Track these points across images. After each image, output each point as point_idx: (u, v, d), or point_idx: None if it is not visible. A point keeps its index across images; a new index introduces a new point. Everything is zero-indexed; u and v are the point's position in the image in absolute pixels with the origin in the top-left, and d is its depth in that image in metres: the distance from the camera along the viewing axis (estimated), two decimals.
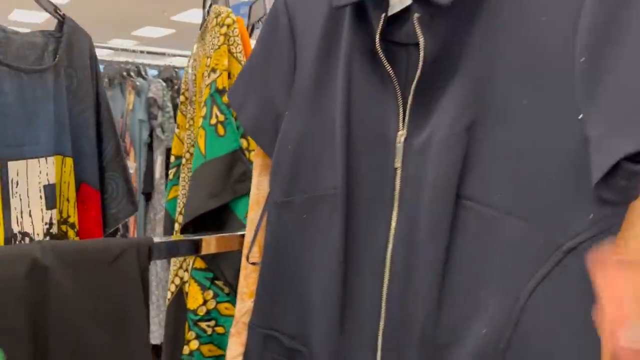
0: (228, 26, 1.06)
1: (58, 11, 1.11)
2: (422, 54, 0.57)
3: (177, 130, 1.39)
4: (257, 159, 0.84)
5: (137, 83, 2.50)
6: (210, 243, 0.88)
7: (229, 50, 1.06)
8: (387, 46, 0.62)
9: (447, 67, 0.57)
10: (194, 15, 7.72)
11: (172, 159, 1.38)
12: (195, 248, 0.87)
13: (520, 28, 0.53)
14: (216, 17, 1.09)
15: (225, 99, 1.03)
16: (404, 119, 0.61)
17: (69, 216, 1.09)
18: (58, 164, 1.05)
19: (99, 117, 1.15)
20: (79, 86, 1.10)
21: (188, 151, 1.27)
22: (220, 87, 1.03)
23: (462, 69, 0.56)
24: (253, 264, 0.79)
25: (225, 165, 0.99)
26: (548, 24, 0.51)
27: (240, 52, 1.07)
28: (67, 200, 1.09)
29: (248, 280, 0.81)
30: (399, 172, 0.61)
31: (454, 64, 0.57)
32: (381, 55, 0.61)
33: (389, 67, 0.61)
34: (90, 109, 1.12)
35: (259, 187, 0.82)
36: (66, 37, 1.08)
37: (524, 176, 0.52)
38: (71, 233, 1.09)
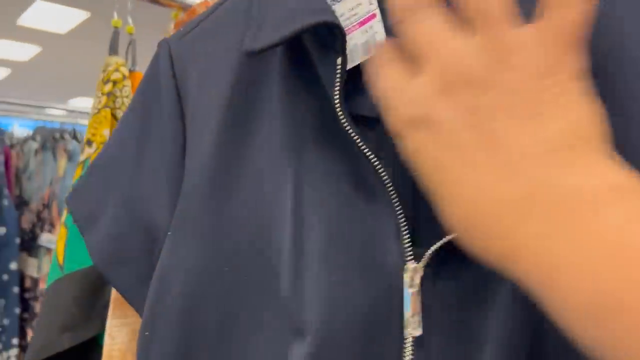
0: (115, 83, 0.77)
1: None
2: None
3: None
4: (115, 291, 0.53)
5: (70, 147, 2.20)
6: None
7: (113, 116, 0.76)
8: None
9: None
10: None
11: None
12: None
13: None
14: (103, 71, 0.81)
15: None
16: (410, 240, 0.33)
17: None
18: None
19: None
20: None
21: None
22: None
23: None
24: None
25: (91, 282, 0.67)
26: None
27: None
28: None
29: None
30: (408, 344, 0.32)
31: None
32: (352, 133, 0.33)
33: (371, 155, 0.33)
34: None
35: (113, 336, 0.51)
36: None
37: None
38: None
